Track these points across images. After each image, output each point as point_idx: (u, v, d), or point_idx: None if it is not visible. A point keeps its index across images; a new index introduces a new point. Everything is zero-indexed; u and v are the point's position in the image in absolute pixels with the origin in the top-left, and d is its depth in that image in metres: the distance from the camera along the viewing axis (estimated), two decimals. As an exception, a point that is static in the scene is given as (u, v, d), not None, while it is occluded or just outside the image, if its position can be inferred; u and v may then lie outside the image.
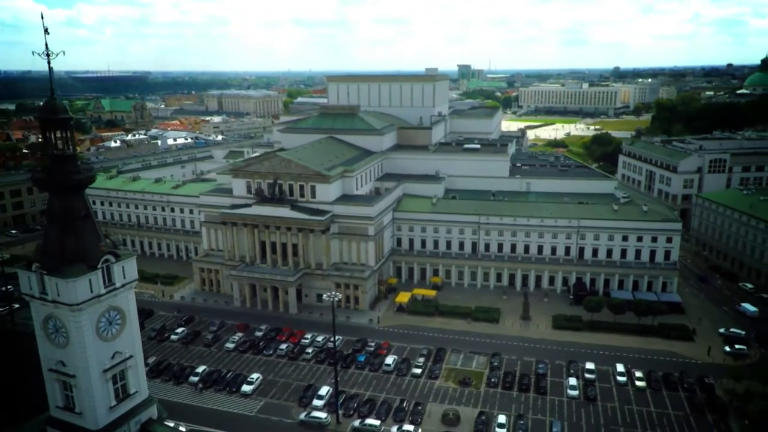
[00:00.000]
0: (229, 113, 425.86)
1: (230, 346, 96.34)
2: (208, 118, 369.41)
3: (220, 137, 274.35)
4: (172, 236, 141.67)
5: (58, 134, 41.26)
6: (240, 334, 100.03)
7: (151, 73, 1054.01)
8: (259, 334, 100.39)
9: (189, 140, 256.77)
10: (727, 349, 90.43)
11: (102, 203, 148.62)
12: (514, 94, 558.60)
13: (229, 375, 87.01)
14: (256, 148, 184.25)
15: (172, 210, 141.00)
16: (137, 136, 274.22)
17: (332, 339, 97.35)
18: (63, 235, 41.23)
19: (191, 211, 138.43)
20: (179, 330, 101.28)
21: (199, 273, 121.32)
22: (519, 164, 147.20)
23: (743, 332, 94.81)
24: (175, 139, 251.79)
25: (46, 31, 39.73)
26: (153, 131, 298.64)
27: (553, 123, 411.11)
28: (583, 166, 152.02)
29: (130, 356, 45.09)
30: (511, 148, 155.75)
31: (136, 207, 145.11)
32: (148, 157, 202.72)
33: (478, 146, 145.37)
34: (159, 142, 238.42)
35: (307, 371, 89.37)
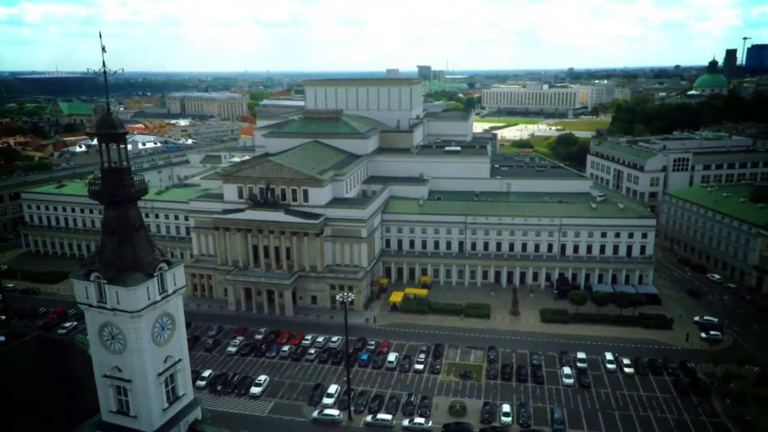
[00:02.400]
0: (193, 116, 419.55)
1: (232, 349, 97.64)
2: (173, 121, 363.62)
3: (190, 141, 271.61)
4: (156, 242, 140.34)
5: (114, 147, 42.89)
6: (240, 338, 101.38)
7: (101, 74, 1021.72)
8: (259, 337, 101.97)
9: (159, 144, 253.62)
10: (703, 335, 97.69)
11: (82, 211, 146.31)
12: (477, 95, 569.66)
13: (236, 378, 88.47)
14: (234, 153, 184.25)
15: (157, 216, 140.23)
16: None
17: (333, 339, 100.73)
18: (120, 245, 42.84)
19: (176, 217, 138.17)
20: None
21: (191, 279, 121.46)
22: (497, 165, 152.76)
23: (716, 319, 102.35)
24: (144, 144, 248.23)
25: (103, 49, 41.30)
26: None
27: (516, 124, 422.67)
28: (558, 166, 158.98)
29: (179, 360, 46.90)
30: (489, 150, 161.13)
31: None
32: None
33: (459, 148, 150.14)
34: (130, 146, 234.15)
35: (311, 371, 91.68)
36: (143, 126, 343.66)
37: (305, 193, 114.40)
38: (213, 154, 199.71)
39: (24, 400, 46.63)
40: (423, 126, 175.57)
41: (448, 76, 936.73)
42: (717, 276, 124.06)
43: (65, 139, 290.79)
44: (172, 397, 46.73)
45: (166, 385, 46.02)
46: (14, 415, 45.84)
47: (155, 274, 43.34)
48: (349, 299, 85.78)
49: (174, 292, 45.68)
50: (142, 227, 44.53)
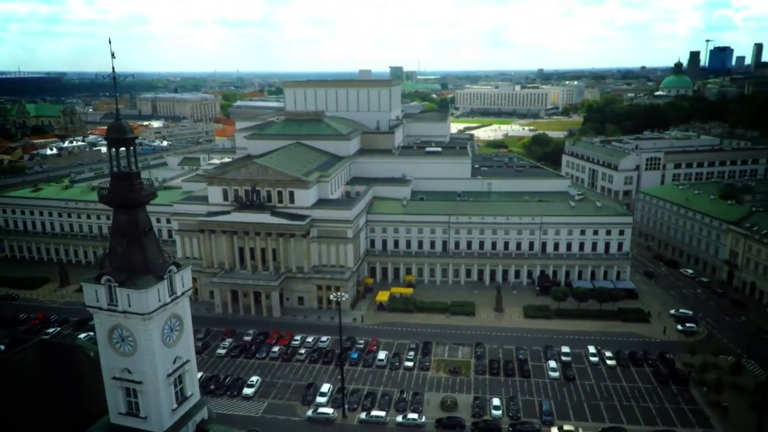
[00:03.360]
0: (165, 117, 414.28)
1: (222, 351, 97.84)
2: (146, 123, 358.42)
3: (165, 143, 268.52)
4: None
5: (123, 152, 43.45)
6: (229, 340, 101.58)
7: (66, 73, 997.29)
8: (247, 338, 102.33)
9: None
10: (679, 327, 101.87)
11: (60, 215, 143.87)
12: (450, 95, 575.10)
13: (227, 380, 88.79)
14: (213, 155, 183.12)
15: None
16: (75, 143, 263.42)
17: (322, 339, 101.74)
18: (130, 248, 43.37)
19: (158, 220, 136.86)
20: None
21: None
22: (477, 165, 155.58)
23: (691, 312, 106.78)
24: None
25: (112, 55, 41.84)
26: (91, 137, 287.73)
27: (490, 124, 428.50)
28: (536, 166, 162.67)
29: (187, 360, 47.55)
30: (469, 151, 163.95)
31: (98, 218, 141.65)
32: (98, 165, 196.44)
33: (440, 149, 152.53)
34: (105, 149, 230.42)
35: (303, 371, 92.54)
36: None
37: (291, 194, 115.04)
38: (191, 156, 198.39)
39: (30, 405, 46.71)
40: (403, 127, 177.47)
41: (420, 77, 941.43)
42: (690, 271, 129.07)
43: (34, 141, 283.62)
44: (181, 397, 47.29)
45: (175, 386, 46.58)
46: (21, 421, 45.88)
47: (165, 276, 44.05)
48: (343, 298, 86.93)
49: (182, 293, 46.46)
50: (151, 230, 45.13)
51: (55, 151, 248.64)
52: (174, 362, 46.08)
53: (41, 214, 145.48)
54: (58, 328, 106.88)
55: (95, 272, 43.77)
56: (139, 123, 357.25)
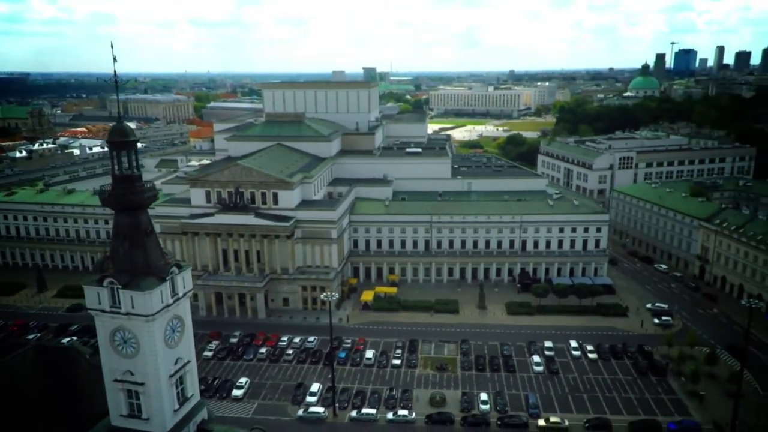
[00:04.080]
0: (138, 119, 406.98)
1: (209, 354, 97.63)
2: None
3: (139, 145, 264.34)
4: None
5: (125, 155, 43.70)
6: (216, 342, 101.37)
7: (29, 74, 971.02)
8: (234, 340, 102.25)
9: (105, 149, 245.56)
10: (656, 321, 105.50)
11: (35, 219, 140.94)
12: (424, 97, 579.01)
13: (216, 382, 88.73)
14: (191, 156, 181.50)
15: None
16: (46, 146, 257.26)
17: (309, 339, 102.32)
18: (133, 250, 43.58)
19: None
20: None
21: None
22: (456, 166, 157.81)
23: (666, 306, 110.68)
24: (90, 148, 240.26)
25: (114, 59, 42.07)
26: (62, 139, 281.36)
27: (464, 125, 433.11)
28: (514, 166, 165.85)
29: (188, 361, 47.94)
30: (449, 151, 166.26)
31: (75, 221, 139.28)
32: (72, 168, 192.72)
33: (420, 150, 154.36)
34: (77, 151, 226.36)
35: (291, 371, 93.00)
36: (86, 129, 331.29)
37: (275, 196, 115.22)
38: (168, 158, 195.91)
39: (30, 408, 46.49)
40: (382, 128, 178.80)
41: (393, 78, 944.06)
42: (664, 266, 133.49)
43: (2, 144, 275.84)
44: (182, 398, 47.67)
45: (177, 387, 46.93)
46: (22, 423, 45.64)
47: (167, 277, 44.36)
48: (333, 298, 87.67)
49: (183, 294, 46.73)
50: (152, 232, 45.34)
51: (24, 153, 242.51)
52: (176, 363, 46.37)
53: (15, 218, 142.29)
54: (38, 334, 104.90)
55: (95, 275, 43.91)
56: (111, 124, 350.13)
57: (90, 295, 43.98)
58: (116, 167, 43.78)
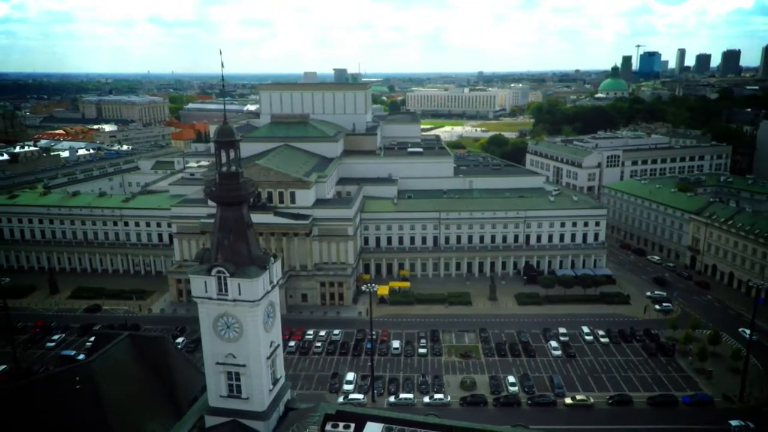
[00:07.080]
0: (113, 121, 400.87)
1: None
2: (96, 126, 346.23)
3: (125, 147, 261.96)
4: (127, 251, 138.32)
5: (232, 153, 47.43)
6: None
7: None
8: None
9: (92, 151, 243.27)
10: (657, 307, 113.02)
11: (41, 221, 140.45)
12: (400, 98, 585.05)
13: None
14: (189, 158, 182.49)
15: (126, 224, 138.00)
16: (28, 149, 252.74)
17: (334, 332, 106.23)
18: (237, 242, 47.21)
19: (148, 224, 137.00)
20: (180, 340, 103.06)
21: (176, 284, 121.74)
22: (456, 165, 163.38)
23: (665, 293, 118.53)
24: (77, 151, 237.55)
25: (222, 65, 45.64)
26: (42, 142, 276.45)
27: (443, 126, 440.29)
28: (510, 164, 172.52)
29: (279, 345, 51.75)
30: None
31: (83, 223, 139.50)
32: (67, 170, 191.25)
33: (421, 150, 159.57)
34: (65, 153, 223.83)
35: (322, 363, 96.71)
36: (63, 132, 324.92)
37: (292, 195, 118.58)
38: (164, 160, 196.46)
39: (133, 392, 49.55)
40: (380, 129, 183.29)
41: (365, 80, 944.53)
42: (656, 257, 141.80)
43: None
44: (273, 379, 51.42)
45: (270, 368, 50.70)
46: (129, 405, 48.67)
47: (268, 266, 48.09)
48: (374, 288, 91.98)
49: (277, 282, 50.55)
50: (251, 225, 49.05)
51: (6, 156, 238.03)
52: (270, 346, 50.14)
53: (20, 221, 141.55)
54: (63, 335, 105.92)
55: (205, 265, 47.33)
56: (89, 127, 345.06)
57: (196, 283, 47.27)
58: (222, 165, 47.33)
